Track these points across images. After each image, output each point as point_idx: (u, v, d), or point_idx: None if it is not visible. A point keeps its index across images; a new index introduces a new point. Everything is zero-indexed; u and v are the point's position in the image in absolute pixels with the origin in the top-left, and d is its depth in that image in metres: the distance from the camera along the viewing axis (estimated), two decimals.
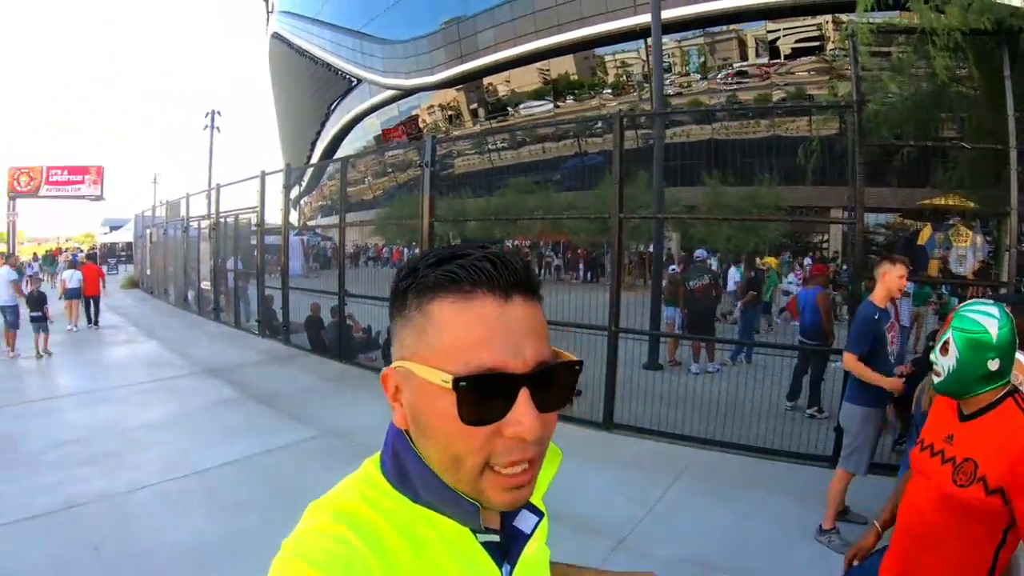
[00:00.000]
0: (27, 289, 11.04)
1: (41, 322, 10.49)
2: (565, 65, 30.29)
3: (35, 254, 36.07)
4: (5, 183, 42.21)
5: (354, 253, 27.42)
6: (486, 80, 33.26)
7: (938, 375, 1.90)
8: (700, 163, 19.61)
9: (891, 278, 3.93)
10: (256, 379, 8.50)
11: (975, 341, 1.81)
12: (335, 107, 47.21)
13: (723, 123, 23.31)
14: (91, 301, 13.71)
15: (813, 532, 3.92)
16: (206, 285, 15.14)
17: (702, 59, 26.16)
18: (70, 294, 12.97)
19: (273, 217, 11.98)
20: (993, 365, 1.79)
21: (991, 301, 1.93)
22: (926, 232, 5.99)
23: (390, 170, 37.63)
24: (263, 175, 11.80)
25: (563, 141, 28.05)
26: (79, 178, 43.50)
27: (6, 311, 10.58)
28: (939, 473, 1.85)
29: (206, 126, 41.78)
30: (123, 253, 39.66)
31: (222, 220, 13.91)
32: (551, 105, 30.96)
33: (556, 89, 30.96)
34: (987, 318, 1.82)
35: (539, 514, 0.82)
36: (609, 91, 29.34)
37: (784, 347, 6.84)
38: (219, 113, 42.50)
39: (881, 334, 3.90)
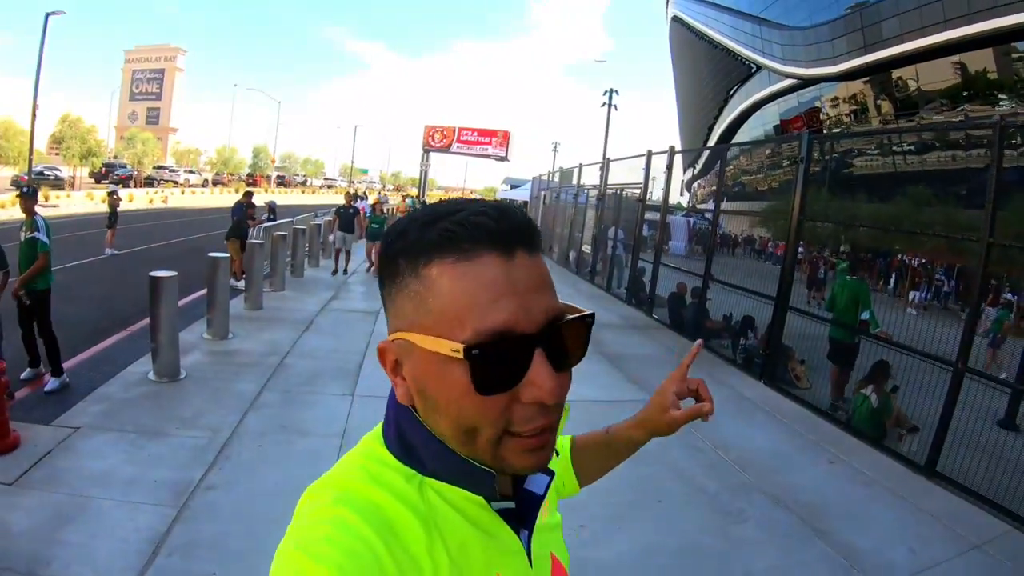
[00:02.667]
0: None
1: None
2: (983, 60, 24.66)
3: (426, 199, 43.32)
4: (422, 138, 51.83)
5: (736, 242, 27.11)
6: (895, 74, 29.18)
7: None
8: None
9: None
10: (610, 339, 9.23)
11: None
12: (734, 93, 46.43)
13: None
14: None
15: None
16: (587, 248, 16.75)
17: None
18: None
19: (658, 195, 12.71)
20: None
21: None
22: None
23: (786, 163, 35.96)
24: (649, 154, 12.57)
25: (974, 151, 23.77)
26: (487, 139, 51.39)
27: None
28: None
29: (604, 103, 44.66)
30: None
31: (609, 191, 15.13)
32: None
33: (971, 88, 25.54)
34: None
35: (550, 473, 0.75)
36: None
37: None
38: (616, 92, 44.91)
39: None
